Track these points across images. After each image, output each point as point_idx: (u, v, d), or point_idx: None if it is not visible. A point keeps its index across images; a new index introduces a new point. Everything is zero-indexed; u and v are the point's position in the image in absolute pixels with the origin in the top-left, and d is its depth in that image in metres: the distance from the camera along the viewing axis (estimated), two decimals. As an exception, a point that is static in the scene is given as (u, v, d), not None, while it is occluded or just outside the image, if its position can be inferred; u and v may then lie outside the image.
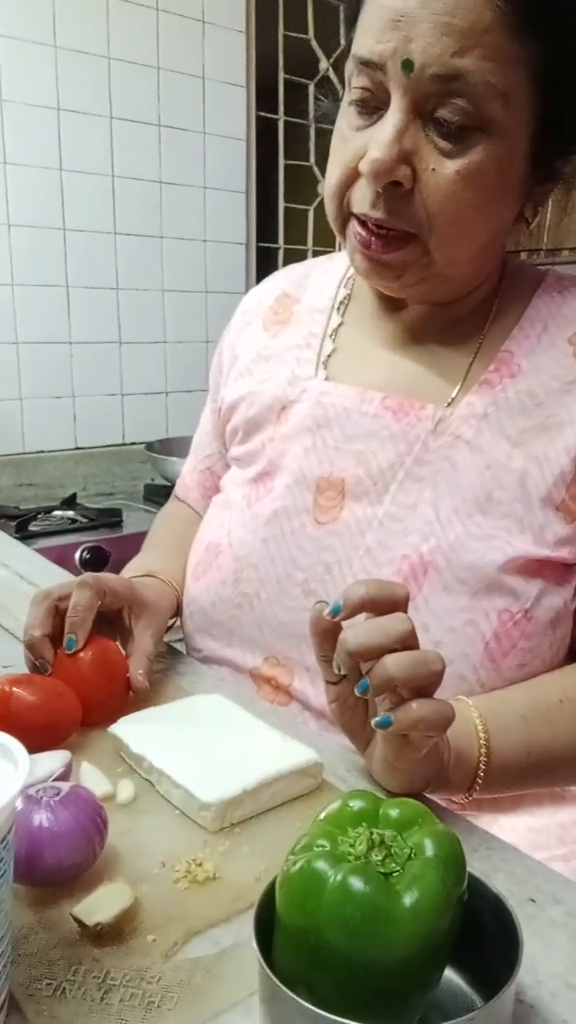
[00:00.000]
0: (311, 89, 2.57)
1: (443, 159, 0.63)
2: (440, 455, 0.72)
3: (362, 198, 0.67)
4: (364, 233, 0.68)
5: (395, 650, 0.52)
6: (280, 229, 2.63)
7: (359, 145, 0.66)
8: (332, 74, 2.54)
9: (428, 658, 0.53)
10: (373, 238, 0.68)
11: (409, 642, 0.53)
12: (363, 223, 0.68)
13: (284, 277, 0.93)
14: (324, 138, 2.95)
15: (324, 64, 2.54)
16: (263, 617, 0.76)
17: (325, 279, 0.88)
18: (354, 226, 0.70)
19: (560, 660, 0.72)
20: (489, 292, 0.77)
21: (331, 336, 0.83)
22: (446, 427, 0.72)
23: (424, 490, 0.71)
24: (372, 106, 0.66)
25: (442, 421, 0.72)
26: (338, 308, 0.85)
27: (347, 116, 0.68)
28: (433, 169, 0.64)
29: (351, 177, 0.68)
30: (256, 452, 0.83)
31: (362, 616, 0.55)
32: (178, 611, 0.86)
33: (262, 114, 2.44)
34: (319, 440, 0.77)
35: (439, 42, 0.60)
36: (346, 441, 0.76)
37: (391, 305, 0.80)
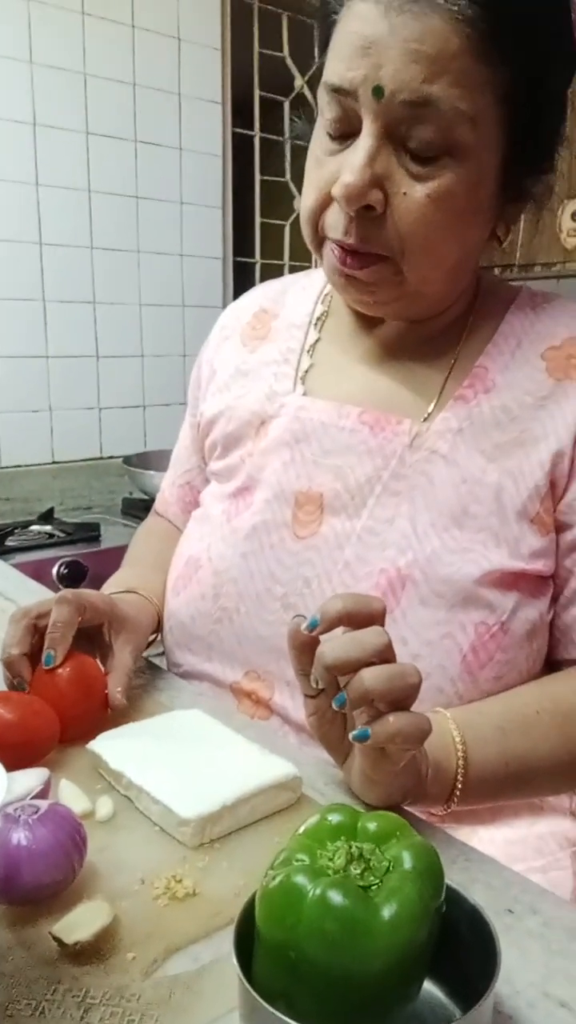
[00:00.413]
0: (286, 106, 2.59)
1: (414, 183, 0.64)
2: (417, 469, 0.73)
3: (335, 223, 0.69)
4: (338, 252, 0.70)
5: (372, 663, 0.53)
6: (256, 244, 2.65)
7: (332, 170, 0.67)
8: (307, 91, 2.56)
9: (405, 671, 0.53)
10: (347, 256, 0.69)
11: (386, 655, 0.53)
12: (337, 245, 0.70)
13: (262, 293, 0.94)
14: (300, 155, 2.97)
15: (299, 81, 2.56)
16: (242, 631, 0.76)
17: (303, 295, 0.89)
18: (329, 246, 0.71)
19: (536, 672, 0.73)
20: (463, 309, 0.79)
21: (308, 352, 0.84)
22: (422, 442, 0.73)
23: (401, 504, 0.72)
24: (344, 131, 0.67)
25: (418, 436, 0.73)
26: (315, 324, 0.86)
27: (320, 140, 0.70)
28: (404, 193, 0.65)
29: (325, 201, 0.69)
30: (235, 467, 0.83)
31: (340, 630, 0.55)
32: (159, 627, 0.86)
33: (238, 130, 2.46)
34: (297, 455, 0.78)
35: (408, 69, 0.61)
36: (324, 456, 0.76)
37: (367, 322, 0.81)
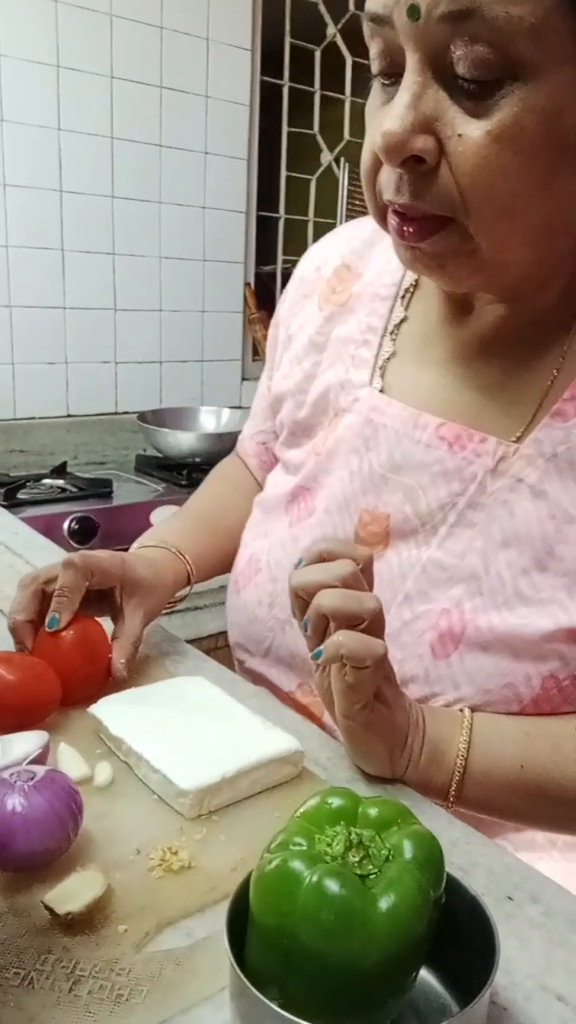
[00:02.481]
0: (318, 55, 2.51)
1: (470, 120, 0.52)
2: (498, 499, 0.64)
3: (387, 183, 0.57)
4: (397, 221, 0.58)
5: (335, 588, 0.55)
6: (281, 198, 2.59)
7: (381, 121, 0.55)
8: (340, 40, 2.48)
9: (361, 596, 0.55)
10: (406, 226, 0.58)
11: (350, 583, 0.55)
12: (396, 211, 0.58)
13: (346, 242, 0.81)
14: (329, 106, 2.89)
15: (332, 30, 2.48)
16: (295, 644, 0.73)
17: (391, 253, 0.70)
18: (389, 215, 0.60)
19: None
20: (567, 292, 0.65)
21: (392, 334, 0.74)
22: (508, 466, 0.64)
23: (476, 538, 0.64)
24: (390, 71, 0.56)
25: (503, 459, 0.64)
26: (403, 298, 0.74)
27: (374, 93, 0.59)
28: (459, 135, 0.52)
29: (376, 161, 0.58)
30: (301, 462, 0.79)
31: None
32: (190, 580, 0.84)
33: (267, 79, 2.39)
34: (365, 464, 0.71)
35: None
36: (394, 471, 0.69)
37: (460, 305, 0.69)
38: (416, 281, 0.75)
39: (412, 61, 0.53)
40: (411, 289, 0.75)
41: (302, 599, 0.56)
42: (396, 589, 0.68)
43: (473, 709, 0.64)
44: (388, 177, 0.57)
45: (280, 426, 0.84)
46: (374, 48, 0.57)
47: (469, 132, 0.52)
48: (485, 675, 0.63)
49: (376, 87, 0.59)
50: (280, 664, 0.76)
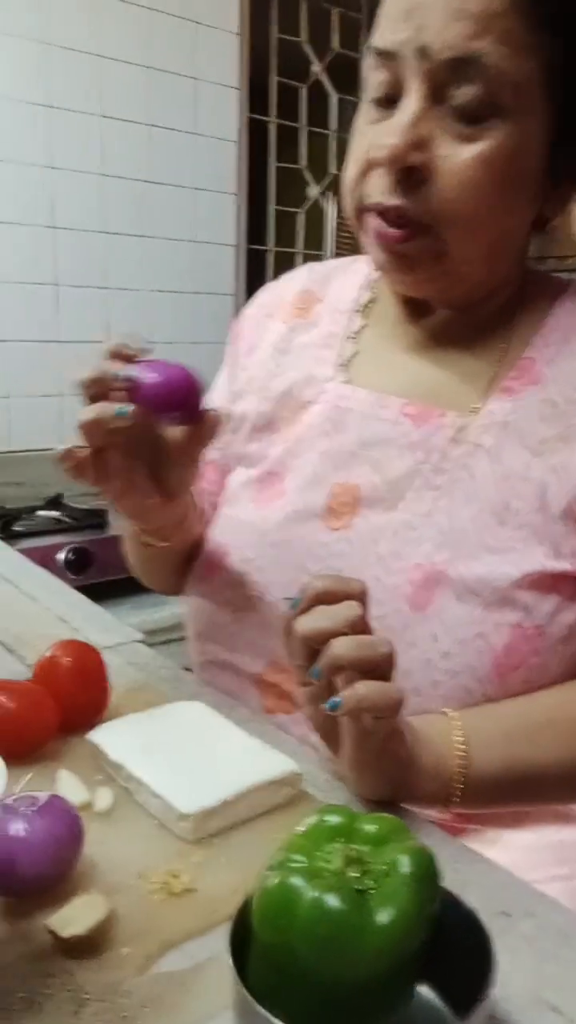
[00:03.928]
0: (303, 92, 2.57)
1: (458, 145, 0.63)
2: (458, 464, 0.71)
3: (378, 187, 0.67)
4: (379, 224, 0.68)
5: (344, 634, 0.54)
6: (271, 231, 2.63)
7: (374, 137, 0.66)
8: (324, 78, 2.54)
9: (375, 641, 0.55)
10: (388, 228, 0.68)
11: (359, 627, 0.55)
12: (380, 214, 0.68)
13: (307, 274, 0.91)
14: (315, 142, 2.95)
15: (316, 67, 2.54)
16: (267, 621, 0.75)
17: (349, 280, 0.87)
18: (370, 219, 0.69)
19: (567, 678, 0.70)
20: (510, 298, 0.77)
21: (352, 338, 0.82)
22: (466, 436, 0.71)
23: (440, 499, 0.71)
24: (390, 99, 0.66)
25: (462, 430, 0.72)
26: (361, 310, 0.84)
27: (364, 112, 0.69)
28: (448, 155, 0.64)
29: (367, 168, 0.68)
30: (265, 450, 0.82)
31: None
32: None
33: (254, 116, 2.44)
34: (335, 445, 0.76)
35: (453, 27, 0.61)
36: (363, 447, 0.75)
37: (414, 310, 0.79)
38: (372, 297, 0.84)
39: (415, 91, 0.64)
40: (369, 303, 0.84)
41: (309, 647, 0.55)
42: (368, 552, 0.71)
43: (448, 661, 0.66)
44: (380, 182, 0.67)
45: (241, 419, 0.86)
46: (376, 78, 0.66)
47: (457, 154, 0.64)
48: (460, 624, 0.67)
49: (367, 107, 0.68)
50: (248, 647, 0.77)
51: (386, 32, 0.65)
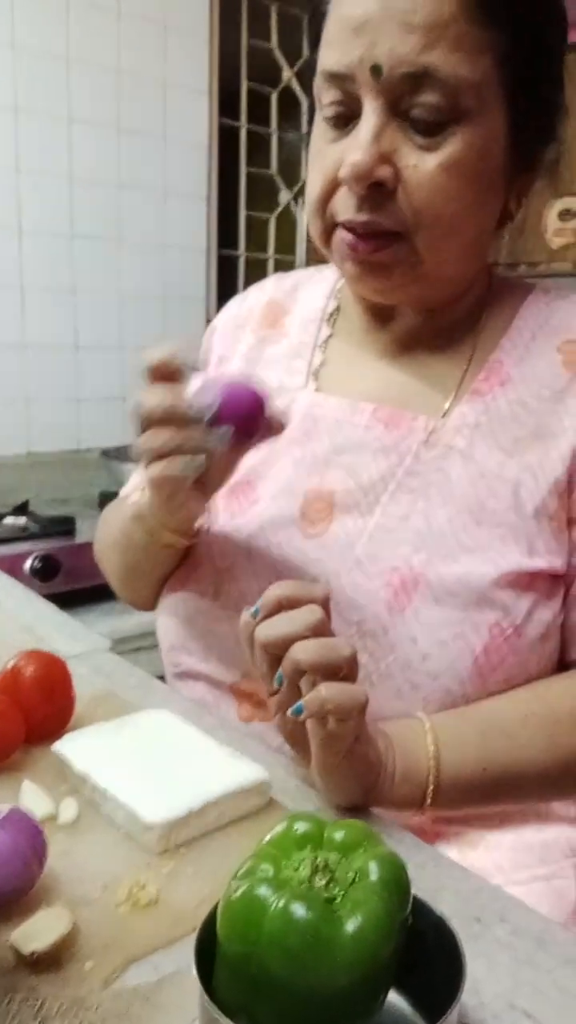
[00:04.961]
0: (274, 98, 2.57)
1: (423, 154, 0.64)
2: (432, 466, 0.71)
3: (345, 205, 0.67)
4: (351, 237, 0.68)
5: (306, 638, 0.54)
6: (241, 236, 2.63)
7: (336, 155, 0.66)
8: (295, 84, 2.55)
9: (336, 643, 0.54)
10: (360, 241, 0.68)
11: (320, 630, 0.54)
12: (349, 229, 0.68)
13: (273, 285, 0.91)
14: (286, 148, 2.95)
15: (287, 73, 2.54)
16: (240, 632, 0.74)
17: (315, 290, 0.87)
18: (340, 232, 0.69)
19: (546, 676, 0.71)
20: (477, 301, 0.77)
21: (321, 347, 0.82)
22: (438, 438, 0.72)
23: (417, 501, 0.71)
24: (346, 117, 0.66)
25: (434, 432, 0.72)
26: (328, 319, 0.84)
27: (321, 131, 0.69)
28: (415, 165, 0.64)
29: (332, 187, 0.68)
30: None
31: None
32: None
33: (225, 121, 2.44)
34: (308, 452, 0.76)
35: (404, 41, 0.61)
36: (336, 453, 0.75)
37: (380, 316, 0.79)
38: (338, 306, 0.84)
39: (372, 107, 0.64)
40: (335, 312, 0.84)
41: (271, 654, 0.55)
42: (346, 557, 0.71)
43: (428, 663, 0.66)
44: (346, 201, 0.67)
45: None
46: (328, 98, 0.66)
47: (423, 164, 0.64)
48: (438, 626, 0.66)
49: (323, 126, 0.68)
50: (222, 657, 0.76)
51: (335, 53, 0.64)
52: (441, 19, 0.60)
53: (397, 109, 0.63)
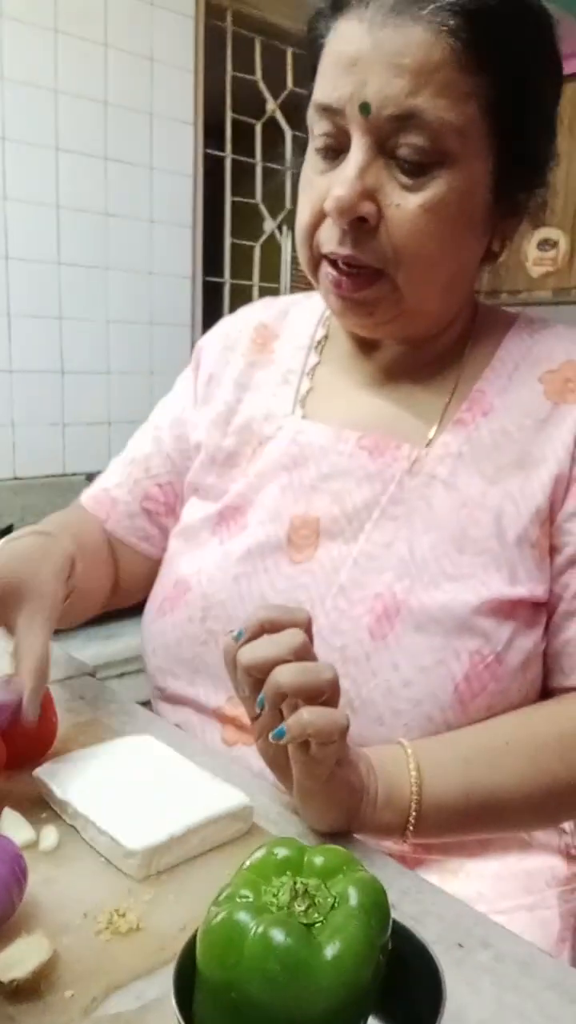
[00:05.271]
0: (258, 129, 2.61)
1: (406, 194, 0.65)
2: (416, 494, 0.72)
3: (329, 237, 0.68)
4: (335, 273, 0.70)
5: (288, 662, 0.53)
6: (226, 264, 2.66)
7: (324, 187, 0.67)
8: (279, 115, 2.59)
9: (318, 667, 0.54)
10: (344, 277, 0.69)
11: (302, 654, 0.54)
12: (333, 263, 0.69)
13: (263, 309, 0.92)
14: (270, 177, 2.99)
15: (271, 105, 2.59)
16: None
17: (305, 316, 0.88)
18: (325, 267, 0.71)
19: (528, 703, 0.71)
20: (461, 333, 0.78)
21: (308, 374, 0.83)
22: (422, 467, 0.73)
23: (400, 529, 0.71)
24: (335, 150, 0.67)
25: (418, 461, 0.73)
26: (316, 347, 0.85)
27: (312, 162, 0.70)
28: (397, 205, 0.65)
29: (318, 218, 0.69)
30: (225, 485, 0.82)
31: None
32: (74, 567, 0.73)
33: (210, 151, 2.47)
34: (295, 479, 0.77)
35: (392, 83, 0.62)
36: (322, 480, 0.75)
37: (366, 346, 0.80)
38: (326, 334, 0.86)
39: (359, 143, 0.65)
40: (323, 340, 0.85)
41: (254, 677, 0.55)
42: (331, 582, 0.71)
43: (409, 689, 0.66)
44: (331, 233, 0.68)
45: (196, 448, 0.86)
46: (320, 129, 0.67)
47: (406, 203, 0.65)
48: (420, 652, 0.67)
49: (314, 157, 0.69)
50: (208, 681, 0.76)
51: (327, 87, 0.66)
52: (429, 64, 0.61)
53: (384, 147, 0.65)
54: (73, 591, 0.73)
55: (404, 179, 0.65)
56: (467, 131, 0.64)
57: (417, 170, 0.64)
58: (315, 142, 0.69)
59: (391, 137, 0.64)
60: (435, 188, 0.65)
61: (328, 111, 0.66)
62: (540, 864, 0.72)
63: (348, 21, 0.65)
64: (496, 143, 0.66)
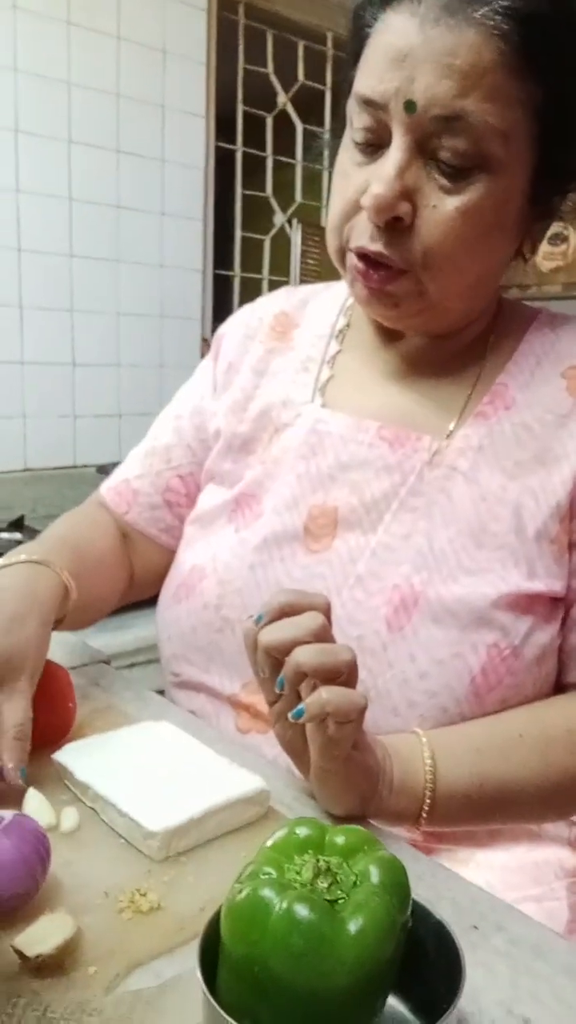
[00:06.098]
0: (269, 122, 2.61)
1: (444, 196, 0.64)
2: (435, 486, 0.72)
3: (361, 232, 0.68)
4: (362, 265, 0.69)
5: (307, 643, 0.54)
6: (236, 257, 2.66)
7: (360, 181, 0.67)
8: (290, 109, 2.58)
9: (336, 648, 0.55)
10: (371, 269, 0.69)
11: (322, 636, 0.55)
12: (361, 256, 0.69)
13: (284, 298, 0.92)
14: (281, 170, 2.98)
15: (282, 98, 2.58)
16: (242, 641, 0.74)
17: (325, 306, 0.88)
18: (352, 257, 0.70)
19: (543, 697, 0.71)
20: (485, 327, 0.78)
21: (329, 363, 0.83)
22: (442, 459, 0.72)
23: (418, 521, 0.71)
24: (374, 144, 0.66)
25: (438, 453, 0.73)
26: (337, 336, 0.85)
27: (349, 152, 0.69)
28: (434, 206, 0.64)
29: (352, 210, 0.69)
30: (241, 471, 0.82)
31: None
32: (68, 596, 0.73)
33: (221, 144, 2.47)
34: (313, 467, 0.77)
35: (440, 83, 0.61)
36: (340, 470, 0.75)
37: (389, 336, 0.80)
38: (348, 323, 0.85)
39: (401, 141, 0.64)
40: (344, 329, 0.85)
41: (273, 657, 0.56)
42: (348, 573, 0.72)
43: (426, 681, 0.66)
44: (363, 227, 0.68)
45: (215, 436, 0.86)
46: (360, 122, 0.66)
47: (443, 205, 0.64)
48: (437, 645, 0.67)
49: (351, 148, 0.68)
50: (223, 668, 0.76)
51: (372, 79, 0.64)
52: (480, 66, 0.60)
53: (425, 148, 0.64)
54: (69, 613, 0.73)
55: (443, 181, 0.64)
56: (511, 137, 0.63)
57: (457, 173, 0.64)
58: (354, 134, 0.68)
59: (433, 137, 0.63)
60: (473, 192, 0.64)
61: (371, 104, 0.65)
62: (549, 855, 0.72)
63: (399, 14, 0.63)
64: (538, 149, 0.66)
